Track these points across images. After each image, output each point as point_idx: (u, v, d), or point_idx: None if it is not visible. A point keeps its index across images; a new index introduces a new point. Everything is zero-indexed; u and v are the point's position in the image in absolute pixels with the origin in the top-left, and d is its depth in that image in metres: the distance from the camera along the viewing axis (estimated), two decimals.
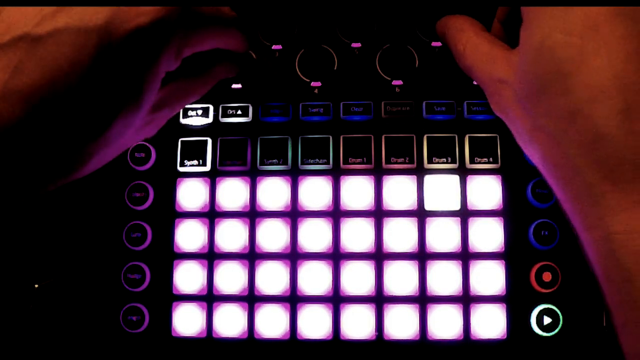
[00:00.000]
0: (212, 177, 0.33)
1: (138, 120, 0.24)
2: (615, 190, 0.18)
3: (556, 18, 0.20)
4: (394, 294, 0.31)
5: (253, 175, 0.33)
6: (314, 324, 0.31)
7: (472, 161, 0.32)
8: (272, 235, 0.32)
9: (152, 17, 0.22)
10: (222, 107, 0.34)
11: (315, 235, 0.32)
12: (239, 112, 0.34)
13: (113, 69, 0.21)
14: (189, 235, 0.33)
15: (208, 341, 0.32)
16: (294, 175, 0.33)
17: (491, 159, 0.32)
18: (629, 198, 0.18)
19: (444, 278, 0.31)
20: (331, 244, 0.32)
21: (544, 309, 0.31)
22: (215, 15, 0.25)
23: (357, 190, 0.32)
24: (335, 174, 0.33)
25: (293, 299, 0.32)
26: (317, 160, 0.33)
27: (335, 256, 0.32)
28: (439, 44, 0.34)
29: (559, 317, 0.30)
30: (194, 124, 0.34)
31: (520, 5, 0.23)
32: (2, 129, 0.20)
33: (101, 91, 0.21)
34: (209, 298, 0.32)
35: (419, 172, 0.32)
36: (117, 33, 0.21)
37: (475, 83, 0.33)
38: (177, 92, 0.28)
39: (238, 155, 0.33)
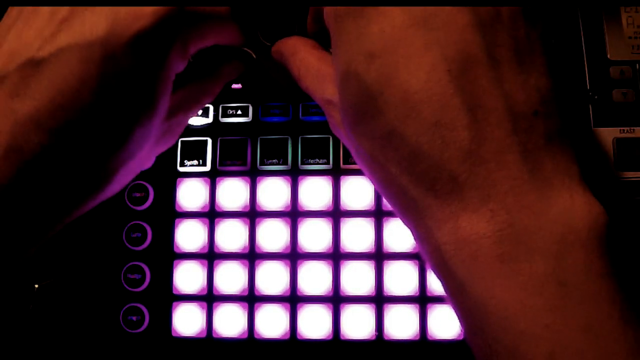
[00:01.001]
0: (212, 177, 0.33)
1: (155, 128, 0.24)
2: (438, 203, 0.18)
3: (355, 40, 0.20)
4: (394, 294, 0.31)
5: (253, 175, 0.33)
6: (314, 324, 0.31)
7: None
8: (272, 235, 0.32)
9: (152, 19, 0.21)
10: (222, 107, 0.34)
11: (315, 235, 0.32)
12: (239, 112, 0.34)
13: (123, 77, 0.21)
14: (189, 235, 0.33)
15: (208, 341, 0.32)
16: (294, 175, 0.33)
17: None
18: (451, 208, 0.18)
19: None
20: (331, 244, 0.32)
21: None
22: (212, 11, 0.25)
23: (357, 190, 0.32)
24: (335, 174, 0.33)
25: (293, 299, 0.32)
26: (317, 160, 0.33)
27: (335, 256, 0.32)
28: None
29: None
30: (194, 124, 0.34)
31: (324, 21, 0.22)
32: (23, 159, 0.20)
33: (115, 101, 0.21)
34: (209, 298, 0.32)
35: None
36: (120, 41, 0.21)
37: None
38: (189, 95, 0.28)
39: (238, 155, 0.33)
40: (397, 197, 0.20)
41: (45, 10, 0.22)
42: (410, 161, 0.19)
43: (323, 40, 0.27)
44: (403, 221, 0.21)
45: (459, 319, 0.20)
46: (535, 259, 0.17)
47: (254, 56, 0.34)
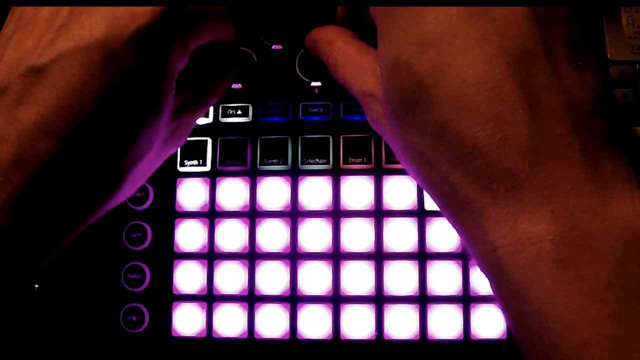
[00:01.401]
0: (212, 177, 0.33)
1: (162, 128, 0.24)
2: (495, 203, 0.18)
3: (407, 29, 0.19)
4: (394, 294, 0.31)
5: (253, 175, 0.33)
6: (314, 324, 0.31)
7: None
8: (272, 235, 0.32)
9: (151, 17, 0.21)
10: (222, 107, 0.34)
11: (315, 235, 0.32)
12: (239, 112, 0.34)
13: (126, 77, 0.21)
14: (189, 235, 0.33)
15: (208, 341, 0.32)
16: (294, 175, 0.33)
17: None
18: (509, 209, 0.17)
19: (445, 278, 0.31)
20: (331, 244, 0.32)
21: None
22: (207, 8, 0.25)
23: (357, 190, 0.32)
24: (335, 174, 0.33)
25: (293, 299, 0.32)
26: (317, 160, 0.33)
27: (335, 256, 0.32)
28: None
29: None
30: None
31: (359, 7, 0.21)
32: (32, 167, 0.20)
33: (120, 101, 0.21)
34: (209, 298, 0.32)
35: None
36: (120, 40, 0.21)
37: None
38: (195, 95, 0.28)
39: (238, 155, 0.33)
40: (448, 197, 0.19)
41: (43, 18, 0.22)
42: (465, 157, 0.18)
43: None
44: (451, 222, 0.20)
45: (510, 324, 0.19)
46: (598, 264, 0.16)
47: (255, 57, 0.34)
